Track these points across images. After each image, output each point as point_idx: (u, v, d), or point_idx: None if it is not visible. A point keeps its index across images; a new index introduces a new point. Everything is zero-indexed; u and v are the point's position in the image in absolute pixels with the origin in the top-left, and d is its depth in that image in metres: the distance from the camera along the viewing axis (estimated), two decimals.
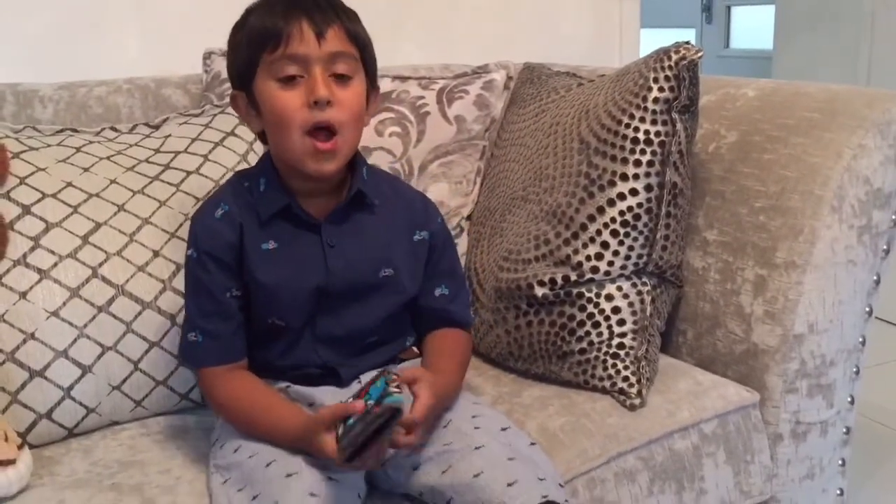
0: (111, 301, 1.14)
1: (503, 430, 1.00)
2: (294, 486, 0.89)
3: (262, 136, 1.07)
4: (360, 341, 1.08)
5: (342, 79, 0.99)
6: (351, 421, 0.88)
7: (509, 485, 0.91)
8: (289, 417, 0.98)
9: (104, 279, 1.15)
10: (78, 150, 1.24)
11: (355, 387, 1.06)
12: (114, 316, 1.14)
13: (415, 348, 1.15)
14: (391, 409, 0.87)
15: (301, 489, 0.89)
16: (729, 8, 4.55)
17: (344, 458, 0.88)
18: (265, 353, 1.06)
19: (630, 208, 1.16)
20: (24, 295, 1.11)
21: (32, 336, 1.10)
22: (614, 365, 1.17)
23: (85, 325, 1.13)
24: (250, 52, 0.99)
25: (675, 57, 1.16)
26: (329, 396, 1.03)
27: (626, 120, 1.17)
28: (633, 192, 1.16)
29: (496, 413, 1.07)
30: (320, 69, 0.97)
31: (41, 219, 1.15)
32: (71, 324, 1.12)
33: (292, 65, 0.97)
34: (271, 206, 1.03)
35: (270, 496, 0.89)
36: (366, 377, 1.05)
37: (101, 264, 1.15)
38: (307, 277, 1.03)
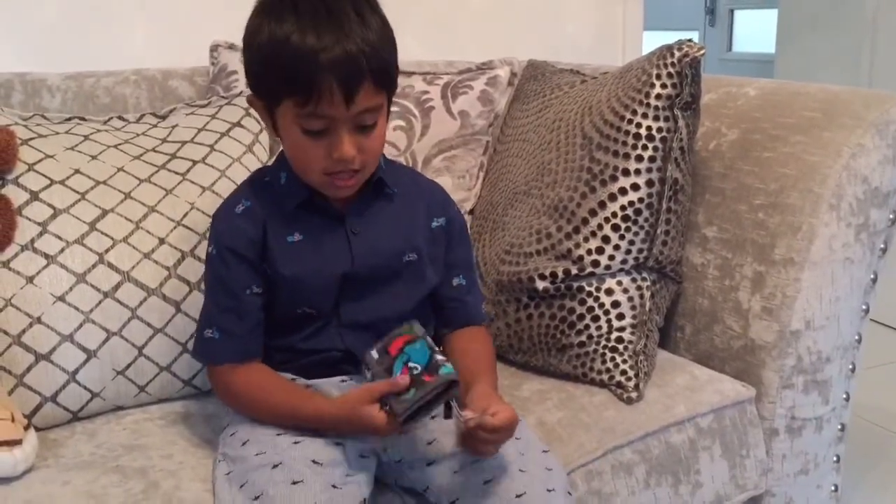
0: (117, 287, 1.15)
1: (517, 439, 0.99)
2: (298, 495, 0.90)
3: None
4: (385, 329, 1.05)
5: (367, 129, 0.97)
6: (410, 393, 0.91)
7: (518, 496, 0.93)
8: (315, 398, 0.99)
9: (110, 265, 1.16)
10: (86, 138, 1.26)
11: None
12: (119, 302, 1.15)
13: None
14: (447, 381, 0.91)
15: (305, 499, 0.89)
16: (732, 11, 4.55)
17: (399, 424, 0.91)
18: (291, 338, 1.06)
19: (631, 203, 1.18)
20: (31, 279, 1.12)
21: (39, 320, 1.11)
22: (613, 359, 1.19)
23: (91, 311, 1.14)
24: (275, 86, 0.95)
25: (677, 54, 1.17)
26: (336, 391, 1.03)
27: (628, 116, 1.19)
28: (635, 187, 1.18)
29: None
30: (346, 127, 0.95)
31: (49, 205, 1.16)
32: (77, 309, 1.13)
33: (319, 121, 0.94)
34: (294, 198, 1.03)
35: (273, 501, 0.90)
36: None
37: (107, 251, 1.16)
38: (333, 266, 1.03)
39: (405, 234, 1.08)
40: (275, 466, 0.93)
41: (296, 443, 0.97)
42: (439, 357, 0.94)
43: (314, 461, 0.94)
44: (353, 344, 1.05)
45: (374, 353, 0.96)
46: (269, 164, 1.13)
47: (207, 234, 1.08)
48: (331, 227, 1.05)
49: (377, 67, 0.94)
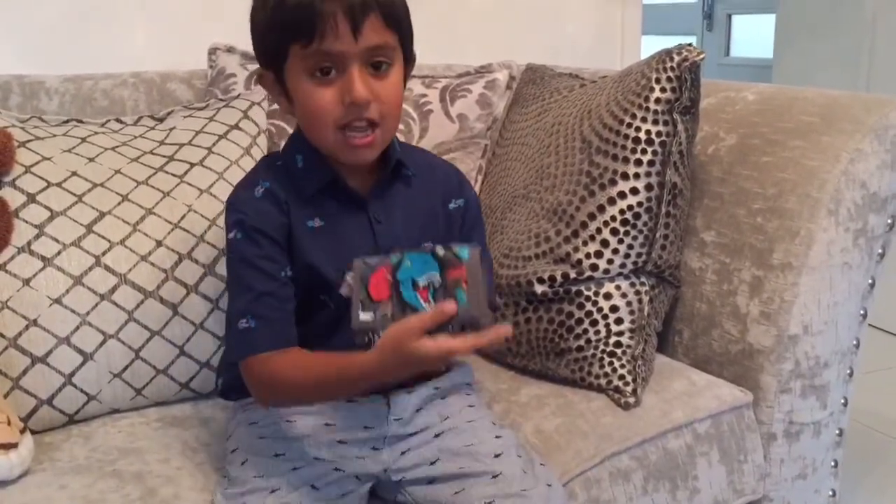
0: (114, 289, 1.15)
1: (519, 456, 0.99)
2: None
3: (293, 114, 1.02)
4: None
5: (379, 70, 0.93)
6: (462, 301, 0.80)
7: None
8: (355, 357, 0.88)
9: (107, 268, 1.16)
10: (83, 140, 1.25)
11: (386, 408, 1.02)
12: (116, 304, 1.15)
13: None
14: (476, 260, 0.82)
15: None
16: (730, 16, 4.56)
17: (490, 321, 0.82)
18: (305, 332, 0.99)
19: (630, 207, 1.18)
20: (27, 282, 1.12)
21: (35, 322, 1.11)
22: (611, 363, 1.18)
23: (87, 313, 1.13)
24: (280, 39, 0.92)
25: (677, 58, 1.17)
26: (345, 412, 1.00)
27: (627, 120, 1.19)
28: (634, 191, 1.18)
29: (513, 435, 1.04)
30: (357, 66, 0.91)
31: (46, 207, 1.16)
32: (73, 311, 1.13)
33: (327, 61, 0.91)
34: (316, 182, 0.99)
35: None
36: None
37: (104, 253, 1.16)
38: (356, 256, 0.96)
39: (423, 221, 1.04)
40: (272, 492, 0.92)
41: (294, 469, 0.95)
42: (439, 249, 0.83)
43: (312, 486, 0.93)
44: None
45: (363, 314, 0.83)
46: (278, 150, 1.09)
47: (225, 223, 1.01)
48: (352, 214, 1.00)
49: (385, 3, 0.91)
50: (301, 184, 0.99)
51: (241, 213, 0.98)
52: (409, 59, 1.00)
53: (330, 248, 0.98)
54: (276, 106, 1.43)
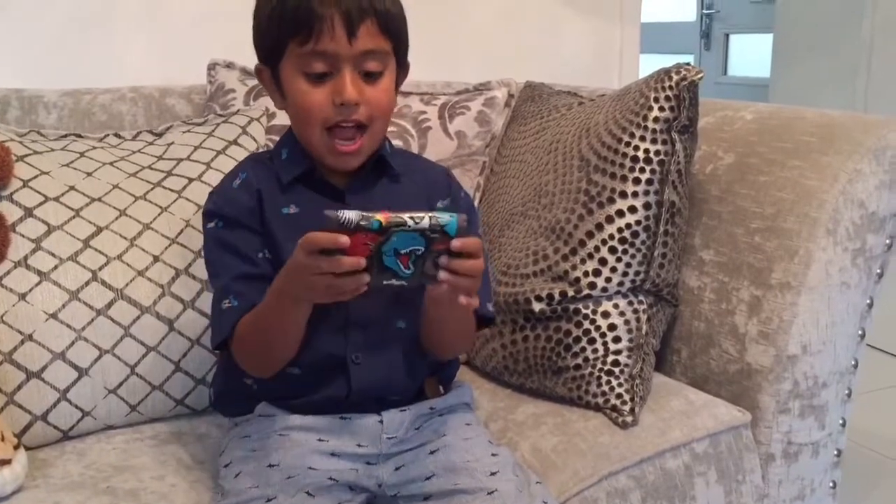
0: (110, 305, 1.15)
1: (515, 475, 0.99)
2: None
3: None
4: (391, 326, 1.03)
5: (372, 75, 0.97)
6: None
7: None
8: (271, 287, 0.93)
9: (104, 283, 1.15)
10: (81, 154, 1.25)
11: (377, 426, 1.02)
12: (112, 320, 1.15)
13: (440, 387, 1.12)
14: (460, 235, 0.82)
15: None
16: (727, 35, 4.59)
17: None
18: None
19: (628, 225, 1.18)
20: (23, 296, 1.11)
21: (30, 337, 1.10)
22: (608, 382, 1.18)
23: (83, 328, 1.13)
24: (278, 35, 0.96)
25: (675, 77, 1.18)
26: (334, 429, 1.00)
27: (626, 138, 1.19)
28: (632, 209, 1.17)
29: (510, 454, 1.04)
30: (349, 68, 0.95)
31: (43, 221, 1.15)
32: (69, 326, 1.12)
33: (321, 61, 0.95)
34: (293, 171, 1.02)
35: None
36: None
37: (101, 268, 1.16)
38: None
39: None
40: (269, 500, 0.92)
41: (289, 478, 0.95)
42: (426, 226, 0.81)
43: (308, 493, 0.93)
44: (356, 347, 1.01)
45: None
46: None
47: (202, 213, 1.05)
48: (328, 204, 1.00)
49: (382, 10, 0.95)
50: (280, 173, 1.03)
51: (216, 203, 1.03)
52: (402, 66, 1.03)
53: (302, 234, 0.95)
54: (274, 122, 1.44)
